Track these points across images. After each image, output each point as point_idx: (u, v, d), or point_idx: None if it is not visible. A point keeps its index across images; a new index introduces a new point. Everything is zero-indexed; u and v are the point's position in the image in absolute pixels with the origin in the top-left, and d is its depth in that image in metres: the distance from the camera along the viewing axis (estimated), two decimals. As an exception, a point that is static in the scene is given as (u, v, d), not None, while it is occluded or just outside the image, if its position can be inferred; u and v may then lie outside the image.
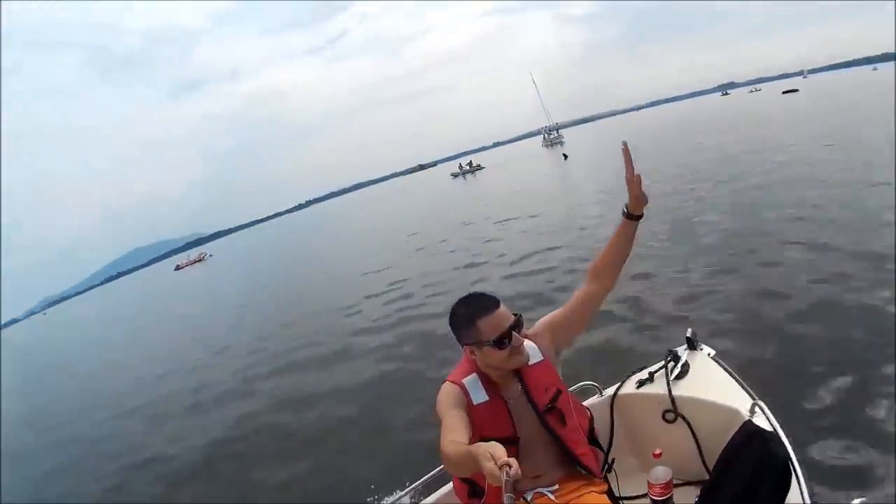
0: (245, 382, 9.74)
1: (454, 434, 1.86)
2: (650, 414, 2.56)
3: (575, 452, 2.06)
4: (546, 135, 72.06)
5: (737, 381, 2.43)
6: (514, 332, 1.95)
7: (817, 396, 4.13)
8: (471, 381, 2.04)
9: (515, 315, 1.98)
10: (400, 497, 2.63)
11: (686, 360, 2.69)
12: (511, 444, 1.88)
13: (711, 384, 2.47)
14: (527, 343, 2.05)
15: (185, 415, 9.11)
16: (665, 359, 2.74)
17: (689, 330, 2.79)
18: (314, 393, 8.02)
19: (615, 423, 2.65)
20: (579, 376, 2.88)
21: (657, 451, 2.22)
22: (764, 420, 2.14)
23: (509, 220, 18.32)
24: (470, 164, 67.08)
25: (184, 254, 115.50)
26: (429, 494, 2.52)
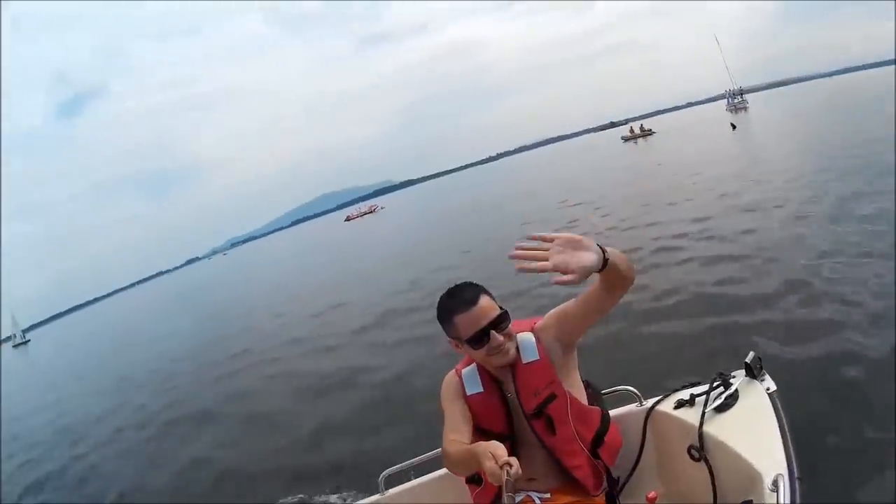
0: (384, 316, 10.97)
1: (455, 433, 1.91)
2: (677, 443, 2.16)
3: (565, 463, 1.94)
4: (730, 99, 66.20)
5: (782, 434, 1.83)
6: (493, 331, 1.85)
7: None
8: (469, 371, 2.04)
9: (501, 311, 1.89)
10: (400, 467, 2.60)
11: (737, 390, 2.14)
12: (505, 440, 1.78)
13: (752, 428, 1.92)
14: (522, 338, 1.96)
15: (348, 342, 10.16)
16: (712, 382, 2.23)
17: (752, 353, 2.18)
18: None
19: (646, 440, 2.29)
20: (627, 377, 2.63)
21: (651, 494, 2.09)
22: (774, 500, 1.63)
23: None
24: (641, 127, 64.13)
25: (355, 207, 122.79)
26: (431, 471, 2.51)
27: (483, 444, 1.63)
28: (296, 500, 4.66)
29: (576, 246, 1.52)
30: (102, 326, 49.36)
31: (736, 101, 63.63)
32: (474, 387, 1.99)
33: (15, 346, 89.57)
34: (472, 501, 2.10)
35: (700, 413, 2.08)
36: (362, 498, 2.93)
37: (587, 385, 2.16)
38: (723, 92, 72.84)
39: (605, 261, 1.58)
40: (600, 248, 1.57)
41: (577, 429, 1.96)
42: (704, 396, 2.16)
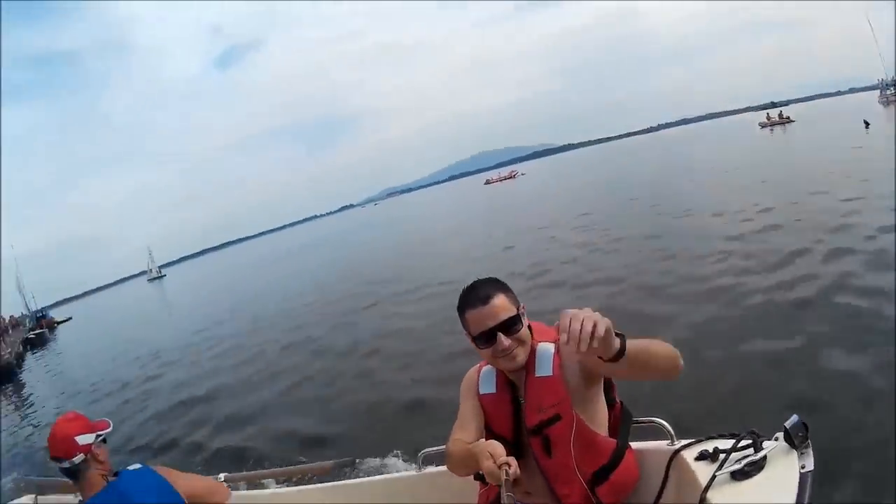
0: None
1: (461, 431, 1.92)
2: (688, 496, 1.81)
3: (556, 489, 1.83)
4: (883, 90, 57.96)
5: None
6: (500, 333, 1.75)
7: None
8: (487, 370, 1.99)
9: (514, 314, 1.78)
10: (437, 449, 2.50)
11: (765, 456, 1.70)
12: (508, 444, 1.76)
13: None
14: (541, 348, 1.85)
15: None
16: (737, 439, 1.80)
17: (795, 417, 1.67)
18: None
19: (667, 482, 1.97)
20: (670, 407, 2.46)
21: None
22: None
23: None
24: (780, 115, 60.07)
25: (495, 171, 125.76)
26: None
27: (482, 442, 1.65)
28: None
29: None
30: (244, 264, 54.16)
31: (888, 92, 56.15)
32: (488, 386, 1.94)
33: (150, 280, 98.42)
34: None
35: (716, 472, 1.70)
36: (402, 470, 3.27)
37: (620, 407, 2.00)
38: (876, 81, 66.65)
39: (620, 351, 1.47)
40: (621, 337, 1.47)
41: (579, 457, 1.81)
42: (724, 455, 1.77)
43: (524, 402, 1.87)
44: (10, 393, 18.67)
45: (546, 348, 1.85)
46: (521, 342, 1.81)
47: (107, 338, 27.32)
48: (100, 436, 2.24)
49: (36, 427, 10.94)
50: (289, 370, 9.81)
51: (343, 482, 3.26)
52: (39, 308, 55.36)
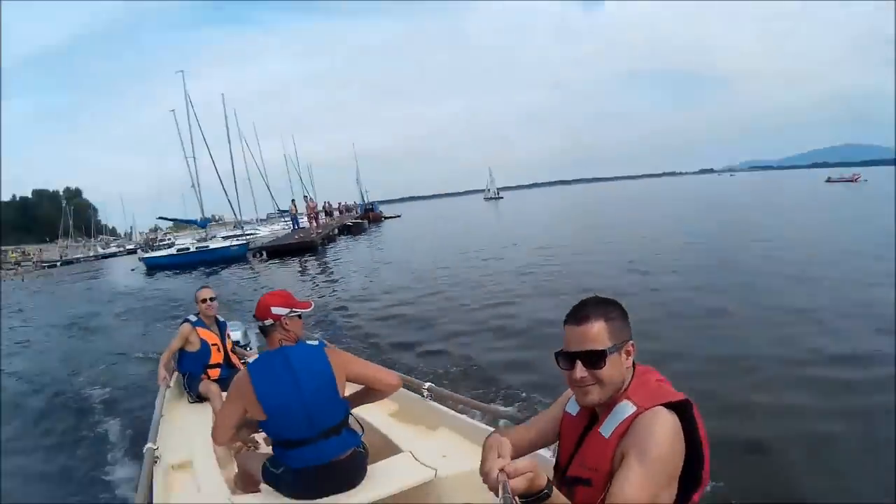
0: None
1: (524, 428, 1.92)
2: None
3: None
4: None
5: None
6: (579, 361, 1.59)
7: None
8: None
9: (603, 349, 1.57)
10: None
11: None
12: (558, 471, 1.74)
13: None
14: (620, 406, 1.59)
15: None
16: None
17: None
18: None
19: None
20: None
21: None
22: None
23: None
24: None
25: (838, 171, 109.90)
26: None
27: (497, 438, 1.59)
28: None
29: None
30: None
31: None
32: (574, 406, 1.78)
33: (486, 199, 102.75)
34: None
35: None
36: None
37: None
38: None
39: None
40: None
41: None
42: None
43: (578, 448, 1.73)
44: (304, 262, 25.01)
45: (624, 408, 1.60)
46: (599, 381, 1.61)
47: (426, 237, 31.68)
48: (294, 312, 2.79)
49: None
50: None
51: None
52: (370, 201, 62.87)
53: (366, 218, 51.28)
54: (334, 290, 15.79)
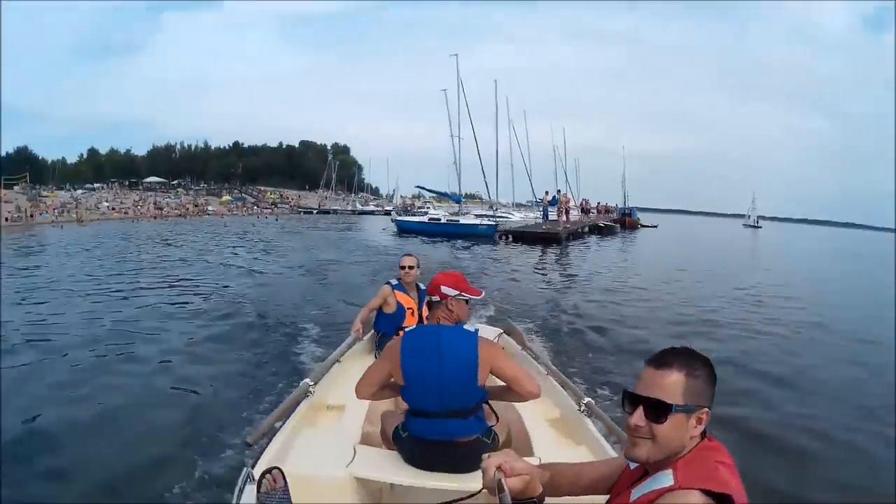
0: None
1: (591, 464, 1.86)
2: None
3: None
4: None
5: None
6: (642, 408, 1.43)
7: None
8: None
9: (670, 403, 1.40)
10: None
11: None
12: None
13: None
14: (661, 475, 1.44)
15: None
16: None
17: None
18: None
19: None
20: None
21: None
22: None
23: None
24: None
25: None
26: None
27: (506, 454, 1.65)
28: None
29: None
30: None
31: None
32: None
33: (745, 226, 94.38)
34: None
35: None
36: None
37: None
38: None
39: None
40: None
41: None
42: None
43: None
44: (545, 251, 24.98)
45: (662, 478, 1.43)
46: (654, 437, 1.44)
47: (679, 254, 29.61)
48: (462, 296, 2.88)
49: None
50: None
51: None
52: (629, 206, 60.92)
53: (620, 222, 49.34)
54: (564, 284, 15.49)
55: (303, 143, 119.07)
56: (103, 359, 7.18)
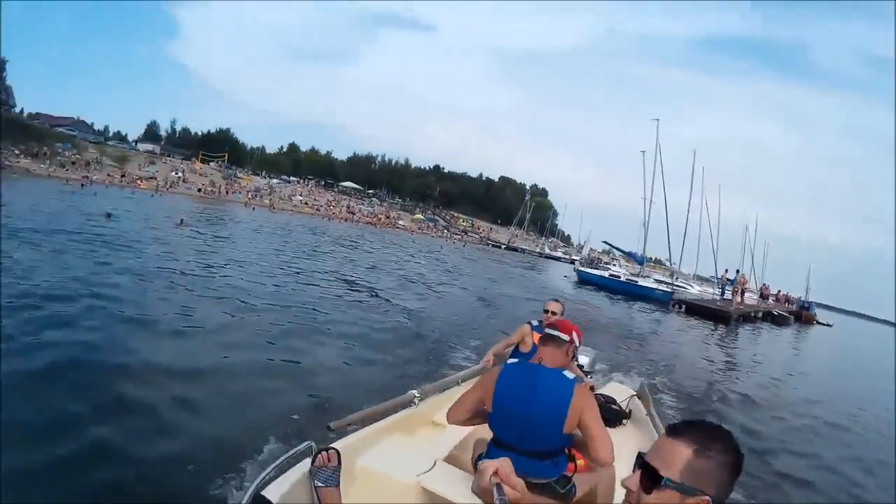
0: None
1: None
2: None
3: None
4: None
5: None
6: (640, 473, 1.37)
7: None
8: None
9: (665, 477, 1.32)
10: None
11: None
12: None
13: None
14: None
15: None
16: None
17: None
18: None
19: None
20: None
21: None
22: None
23: None
24: None
25: None
26: None
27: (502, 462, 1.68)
28: None
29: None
30: None
31: None
32: None
33: None
34: None
35: None
36: None
37: None
38: None
39: None
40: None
41: None
42: None
43: None
44: (713, 329, 24.36)
45: None
46: None
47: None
48: (576, 348, 3.13)
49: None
50: None
51: None
52: (808, 300, 58.08)
53: (796, 315, 46.68)
54: (722, 366, 14.75)
55: (503, 178, 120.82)
56: (280, 326, 8.94)
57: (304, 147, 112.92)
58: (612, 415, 4.59)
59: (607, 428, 2.76)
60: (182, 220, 24.13)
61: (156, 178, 54.35)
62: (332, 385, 6.64)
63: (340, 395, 6.18)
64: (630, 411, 4.81)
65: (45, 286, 8.75)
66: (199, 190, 55.74)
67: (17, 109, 66.38)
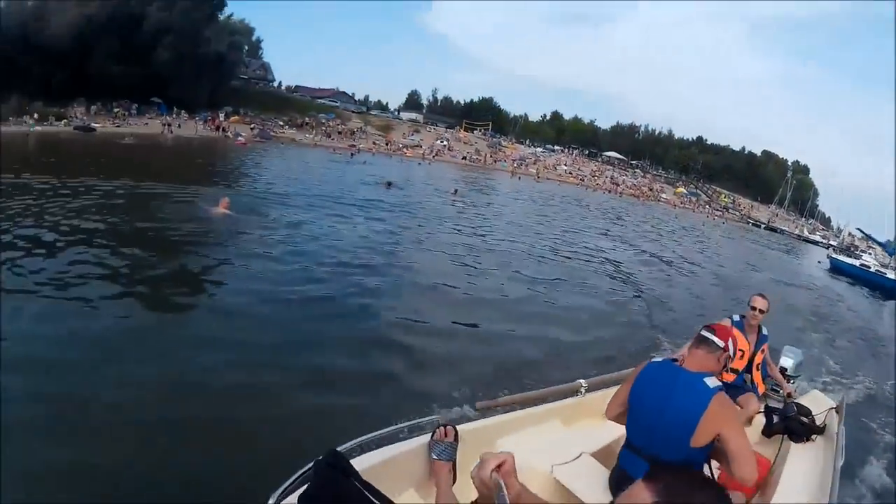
0: None
1: None
2: None
3: None
4: None
5: None
6: None
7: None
8: None
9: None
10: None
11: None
12: None
13: None
14: None
15: None
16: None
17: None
18: None
19: None
20: None
21: None
22: None
23: None
24: None
25: None
26: None
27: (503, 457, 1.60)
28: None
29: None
30: None
31: None
32: None
33: None
34: None
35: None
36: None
37: None
38: None
39: None
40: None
41: None
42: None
43: None
44: None
45: None
46: None
47: None
48: (729, 358, 2.74)
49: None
50: None
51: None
52: None
53: None
54: None
55: (765, 152, 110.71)
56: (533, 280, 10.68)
57: (566, 115, 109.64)
58: (801, 429, 4.03)
59: (792, 442, 2.67)
60: (456, 191, 26.44)
61: (421, 147, 57.14)
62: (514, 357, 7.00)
63: (513, 369, 6.50)
64: (824, 426, 4.14)
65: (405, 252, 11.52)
66: (464, 158, 57.30)
67: (276, 84, 73.37)
